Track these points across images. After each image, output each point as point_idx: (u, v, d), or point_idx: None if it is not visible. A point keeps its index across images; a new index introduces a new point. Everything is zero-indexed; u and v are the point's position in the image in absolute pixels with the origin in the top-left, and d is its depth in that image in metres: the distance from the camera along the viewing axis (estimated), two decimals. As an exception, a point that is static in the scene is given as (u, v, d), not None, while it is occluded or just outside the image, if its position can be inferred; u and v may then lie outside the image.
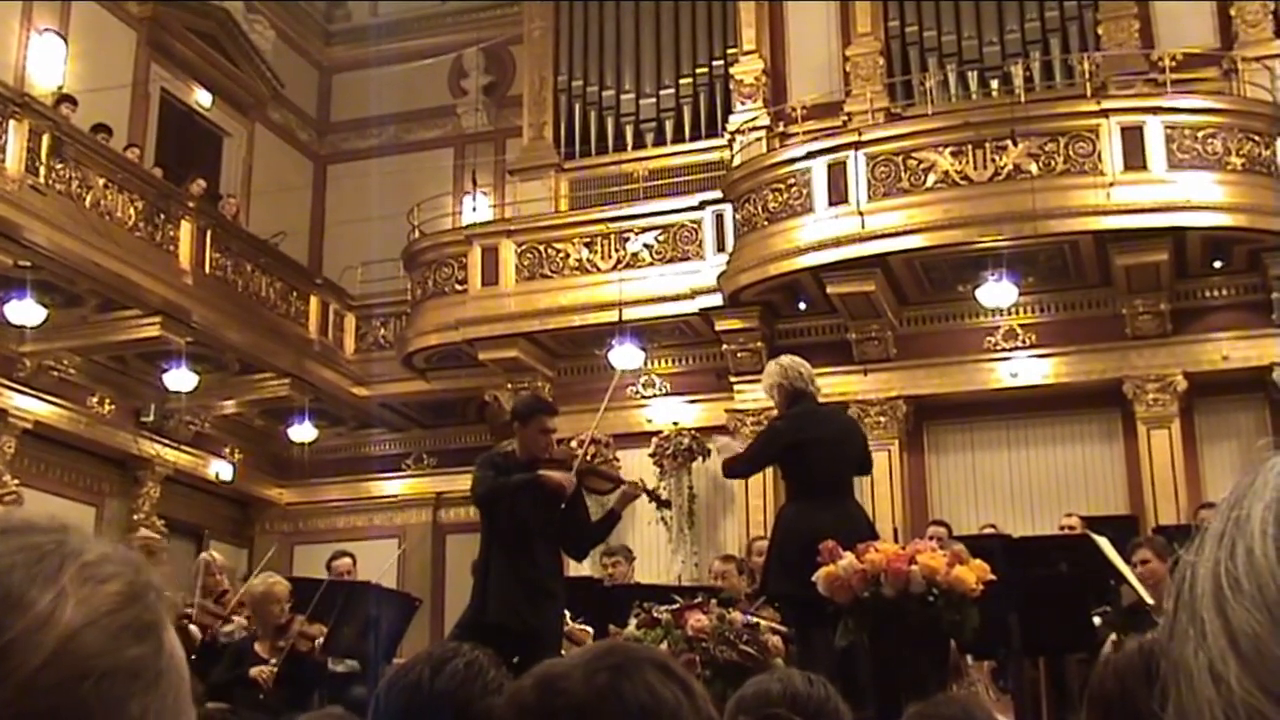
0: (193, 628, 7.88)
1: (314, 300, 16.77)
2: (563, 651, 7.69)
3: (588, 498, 7.10)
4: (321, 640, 7.84)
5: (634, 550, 11.01)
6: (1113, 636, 6.77)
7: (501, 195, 17.44)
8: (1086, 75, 13.38)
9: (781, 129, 14.59)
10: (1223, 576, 0.69)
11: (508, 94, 18.63)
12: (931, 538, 9.11)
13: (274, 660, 7.52)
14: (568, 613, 8.50)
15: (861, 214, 12.66)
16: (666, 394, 14.66)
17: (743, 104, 14.95)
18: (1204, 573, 0.70)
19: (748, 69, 15.01)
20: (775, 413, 7.76)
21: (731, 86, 15.13)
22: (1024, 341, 13.45)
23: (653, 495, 7.12)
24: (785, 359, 7.69)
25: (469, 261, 14.85)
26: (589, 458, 7.13)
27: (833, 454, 7.20)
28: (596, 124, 15.77)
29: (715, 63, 15.47)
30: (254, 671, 7.44)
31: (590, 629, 8.38)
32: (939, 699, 2.95)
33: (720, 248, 13.89)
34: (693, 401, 14.50)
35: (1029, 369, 13.35)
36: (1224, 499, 0.73)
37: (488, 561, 6.84)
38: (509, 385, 14.78)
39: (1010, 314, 13.38)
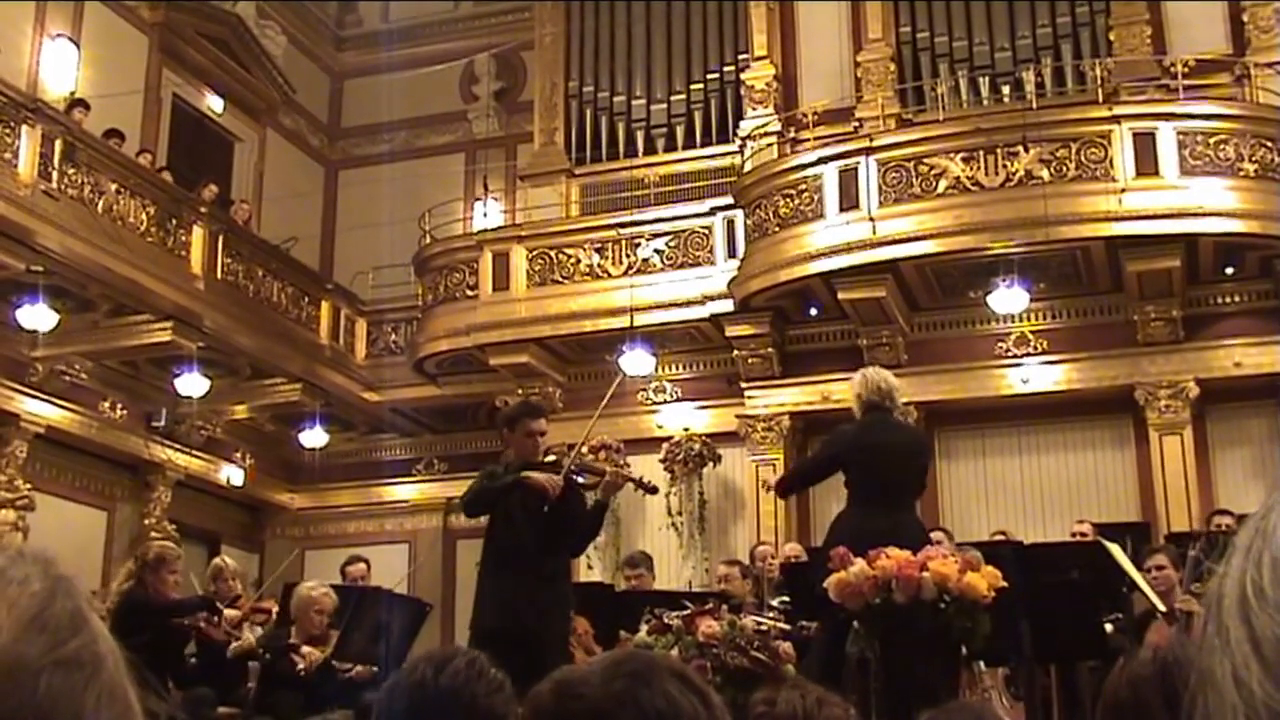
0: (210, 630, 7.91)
1: (325, 305, 16.79)
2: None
3: (583, 494, 7.09)
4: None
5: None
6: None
7: (512, 201, 17.45)
8: (1098, 81, 13.37)
9: (793, 135, 14.59)
10: (1248, 585, 0.71)
11: (519, 99, 18.65)
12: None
13: (303, 666, 7.53)
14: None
15: (873, 220, 12.65)
16: (677, 399, 14.66)
17: (754, 109, 14.95)
18: (1231, 583, 0.72)
19: (759, 74, 15.02)
20: None
21: (742, 92, 15.14)
22: (1035, 347, 13.43)
23: (638, 482, 7.12)
24: (870, 371, 7.61)
25: (480, 267, 14.86)
26: (578, 457, 7.15)
27: (897, 464, 7.17)
28: (608, 129, 15.79)
29: (726, 68, 15.48)
30: (305, 649, 7.47)
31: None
32: (952, 706, 2.95)
33: (731, 253, 13.89)
34: (703, 407, 14.50)
35: (1040, 375, 13.33)
36: (1254, 511, 0.75)
37: (484, 568, 6.88)
38: (520, 390, 14.79)
39: (1021, 320, 13.37)
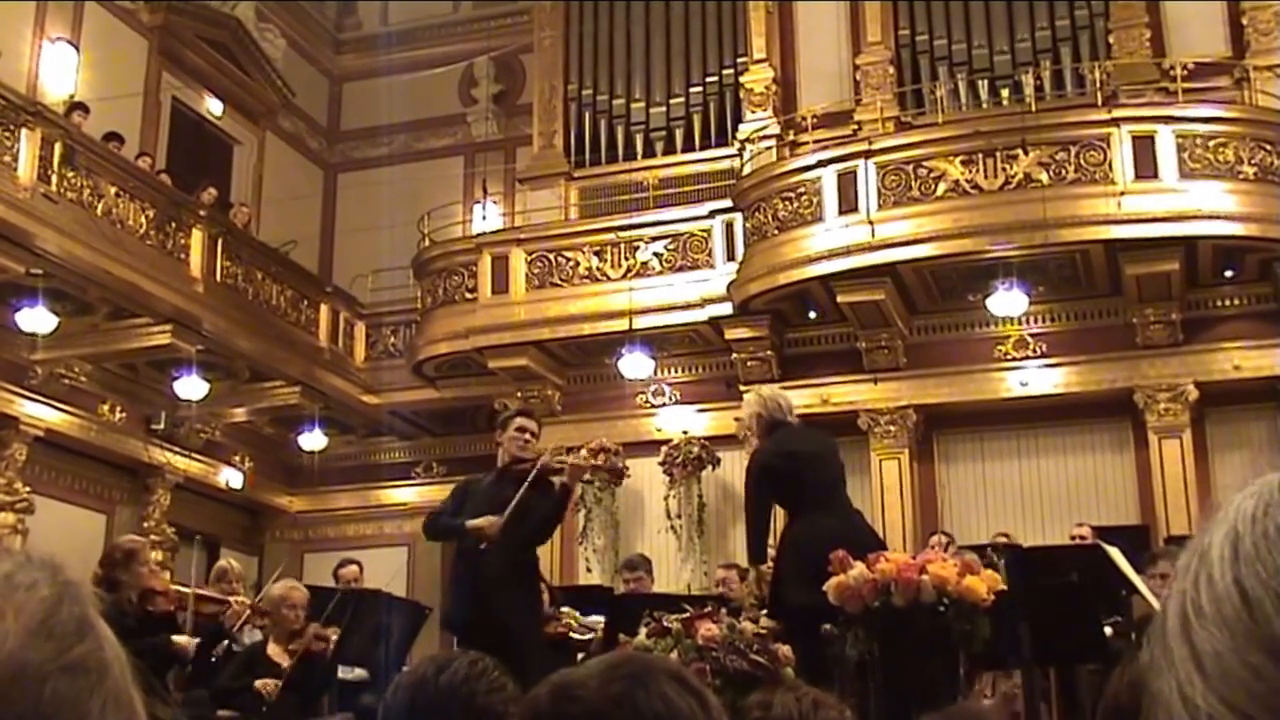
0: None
1: (324, 308, 16.79)
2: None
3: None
4: (334, 642, 7.83)
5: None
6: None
7: (511, 204, 17.45)
8: (1097, 84, 13.37)
9: (791, 138, 14.60)
10: (1187, 605, 0.74)
11: (518, 102, 18.65)
12: (931, 547, 9.12)
13: (287, 664, 7.51)
14: (576, 611, 8.57)
15: (871, 223, 12.66)
16: (676, 403, 14.66)
17: (753, 113, 14.96)
18: (1173, 605, 0.76)
19: (758, 77, 15.02)
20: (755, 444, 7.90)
21: (741, 95, 15.14)
22: (1034, 351, 13.43)
23: (608, 469, 7.47)
24: (765, 389, 7.86)
25: (479, 270, 14.86)
26: (551, 457, 7.40)
27: (821, 465, 7.29)
28: (606, 132, 15.79)
29: (725, 71, 15.48)
30: (258, 684, 7.41)
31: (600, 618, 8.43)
32: (953, 710, 2.95)
33: (730, 256, 13.90)
34: (702, 410, 14.49)
35: (1039, 378, 13.33)
36: (1193, 537, 0.79)
37: (453, 562, 7.33)
38: (519, 393, 14.79)
39: (1021, 323, 13.37)
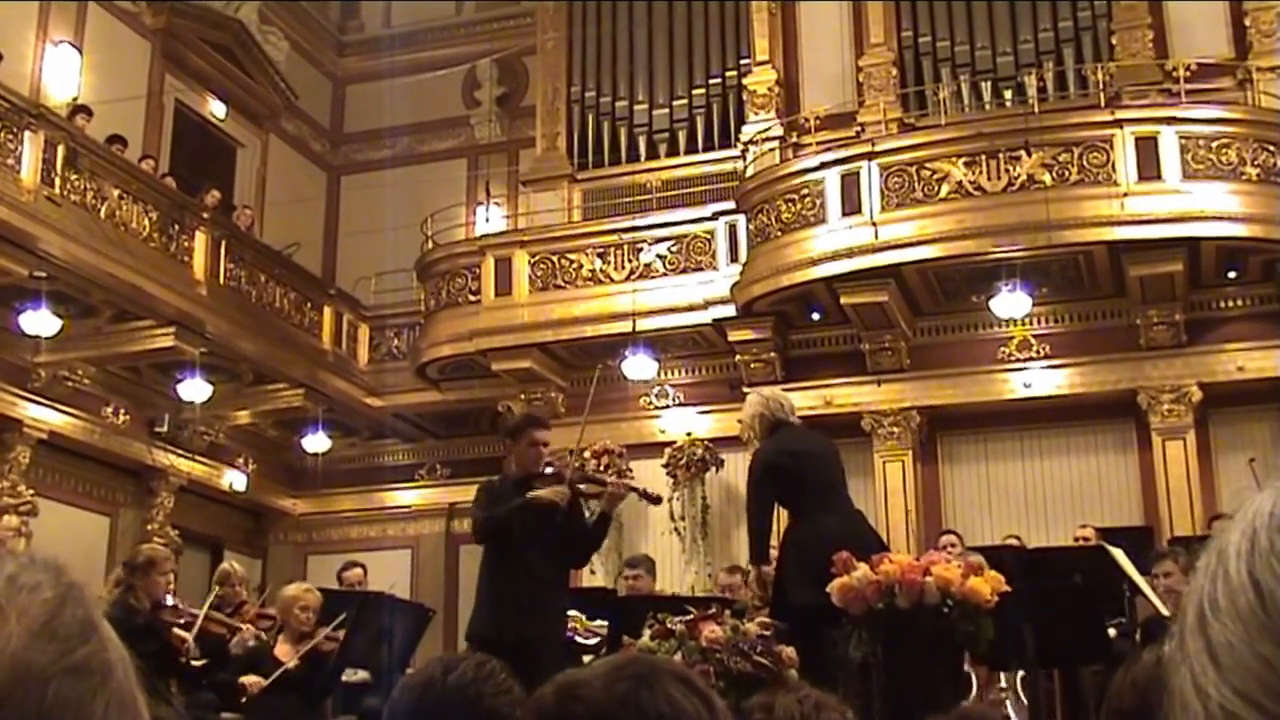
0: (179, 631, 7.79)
1: (327, 311, 16.80)
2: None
3: (585, 504, 7.09)
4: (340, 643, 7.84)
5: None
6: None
7: (515, 206, 17.45)
8: (1100, 85, 13.36)
9: (795, 139, 14.59)
10: (1204, 601, 0.76)
11: (521, 104, 18.66)
12: (942, 547, 9.14)
13: (293, 664, 7.51)
14: (581, 614, 8.54)
15: (875, 224, 12.65)
16: (680, 404, 14.66)
17: (756, 114, 14.95)
18: (1191, 602, 0.78)
19: (761, 79, 15.02)
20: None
21: (745, 97, 15.13)
22: (1038, 352, 13.42)
23: (641, 493, 7.16)
24: (766, 390, 7.87)
25: (482, 272, 14.86)
26: (579, 466, 7.18)
27: (823, 464, 7.30)
28: (610, 134, 15.78)
29: (728, 73, 15.48)
30: (245, 680, 7.40)
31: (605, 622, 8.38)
32: (960, 712, 2.94)
33: (733, 258, 13.89)
34: (706, 412, 14.49)
35: (1043, 379, 13.32)
36: (1212, 538, 0.81)
37: (484, 576, 6.94)
38: (522, 396, 14.79)
39: (1024, 324, 13.36)
